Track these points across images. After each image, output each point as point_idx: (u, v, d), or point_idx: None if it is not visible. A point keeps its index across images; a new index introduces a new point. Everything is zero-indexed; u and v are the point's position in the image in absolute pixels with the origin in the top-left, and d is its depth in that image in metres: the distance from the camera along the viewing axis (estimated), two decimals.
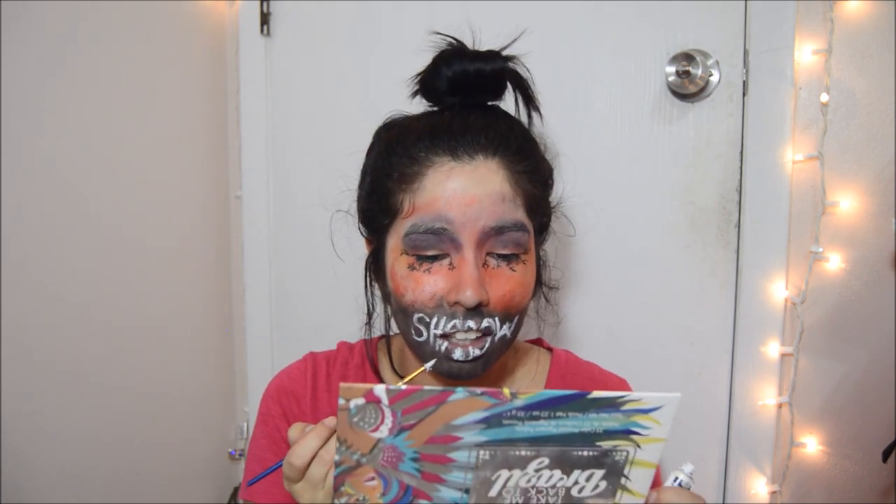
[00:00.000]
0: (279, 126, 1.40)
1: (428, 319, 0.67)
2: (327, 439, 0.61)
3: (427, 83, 0.73)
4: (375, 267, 0.75)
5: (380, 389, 0.50)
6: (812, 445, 1.16)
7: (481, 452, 0.53)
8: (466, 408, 0.51)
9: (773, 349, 1.16)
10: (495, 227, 0.66)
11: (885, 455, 0.98)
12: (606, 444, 0.54)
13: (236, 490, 1.49)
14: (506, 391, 0.50)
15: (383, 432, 0.52)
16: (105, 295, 1.15)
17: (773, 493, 1.18)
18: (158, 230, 1.26)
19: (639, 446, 0.54)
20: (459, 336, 0.67)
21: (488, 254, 0.68)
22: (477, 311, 0.66)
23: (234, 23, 1.41)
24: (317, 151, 1.38)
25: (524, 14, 1.22)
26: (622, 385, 0.85)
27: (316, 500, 0.60)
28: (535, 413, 0.51)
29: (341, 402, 0.50)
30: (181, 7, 1.31)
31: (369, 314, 0.79)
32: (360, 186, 0.76)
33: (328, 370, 0.82)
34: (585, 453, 0.54)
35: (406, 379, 0.72)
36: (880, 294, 1.11)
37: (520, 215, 0.68)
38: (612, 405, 0.52)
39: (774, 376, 1.17)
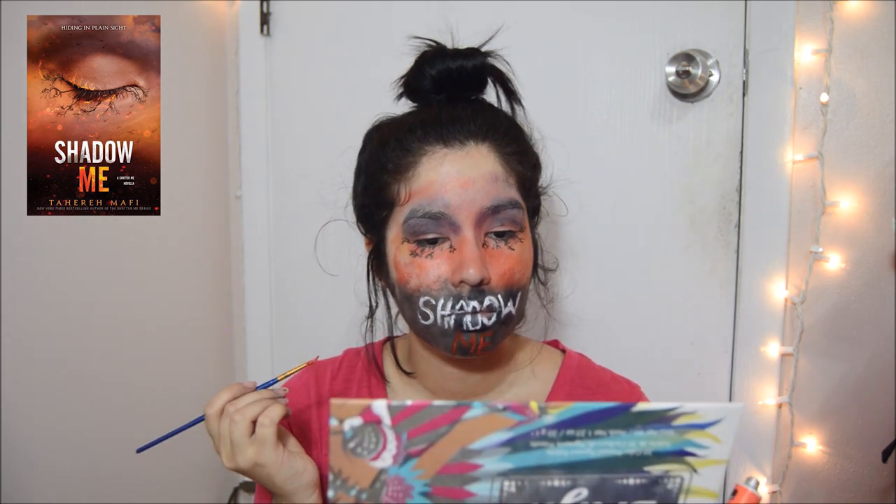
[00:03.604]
0: (279, 126, 1.40)
1: (434, 302, 0.68)
2: (238, 396, 0.68)
3: (411, 84, 0.76)
4: (377, 264, 0.76)
5: (379, 406, 0.42)
6: (812, 445, 1.16)
7: (506, 483, 0.44)
8: (486, 427, 0.43)
9: (773, 349, 1.16)
10: (491, 206, 0.68)
11: (885, 455, 0.98)
12: (656, 470, 0.45)
13: (236, 490, 1.49)
14: (533, 405, 0.42)
15: (386, 461, 0.43)
16: (105, 294, 1.15)
17: (773, 493, 1.18)
18: (158, 229, 1.26)
19: (695, 470, 0.46)
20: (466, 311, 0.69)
21: (486, 234, 0.69)
22: (479, 290, 0.68)
23: (234, 23, 1.41)
24: (317, 151, 1.38)
25: (524, 14, 1.22)
26: (633, 391, 0.82)
27: (236, 464, 0.67)
28: (570, 432, 0.43)
29: (333, 423, 0.42)
30: (181, 7, 1.31)
31: (371, 310, 0.80)
32: (355, 185, 0.78)
33: (333, 375, 0.83)
34: (632, 481, 0.45)
35: (286, 373, 0.73)
36: (880, 294, 1.11)
37: (513, 193, 0.71)
38: (661, 420, 0.44)
39: (774, 376, 1.16)
